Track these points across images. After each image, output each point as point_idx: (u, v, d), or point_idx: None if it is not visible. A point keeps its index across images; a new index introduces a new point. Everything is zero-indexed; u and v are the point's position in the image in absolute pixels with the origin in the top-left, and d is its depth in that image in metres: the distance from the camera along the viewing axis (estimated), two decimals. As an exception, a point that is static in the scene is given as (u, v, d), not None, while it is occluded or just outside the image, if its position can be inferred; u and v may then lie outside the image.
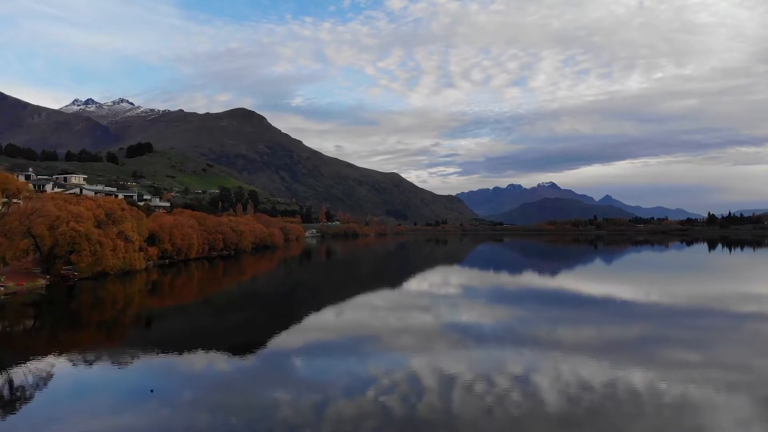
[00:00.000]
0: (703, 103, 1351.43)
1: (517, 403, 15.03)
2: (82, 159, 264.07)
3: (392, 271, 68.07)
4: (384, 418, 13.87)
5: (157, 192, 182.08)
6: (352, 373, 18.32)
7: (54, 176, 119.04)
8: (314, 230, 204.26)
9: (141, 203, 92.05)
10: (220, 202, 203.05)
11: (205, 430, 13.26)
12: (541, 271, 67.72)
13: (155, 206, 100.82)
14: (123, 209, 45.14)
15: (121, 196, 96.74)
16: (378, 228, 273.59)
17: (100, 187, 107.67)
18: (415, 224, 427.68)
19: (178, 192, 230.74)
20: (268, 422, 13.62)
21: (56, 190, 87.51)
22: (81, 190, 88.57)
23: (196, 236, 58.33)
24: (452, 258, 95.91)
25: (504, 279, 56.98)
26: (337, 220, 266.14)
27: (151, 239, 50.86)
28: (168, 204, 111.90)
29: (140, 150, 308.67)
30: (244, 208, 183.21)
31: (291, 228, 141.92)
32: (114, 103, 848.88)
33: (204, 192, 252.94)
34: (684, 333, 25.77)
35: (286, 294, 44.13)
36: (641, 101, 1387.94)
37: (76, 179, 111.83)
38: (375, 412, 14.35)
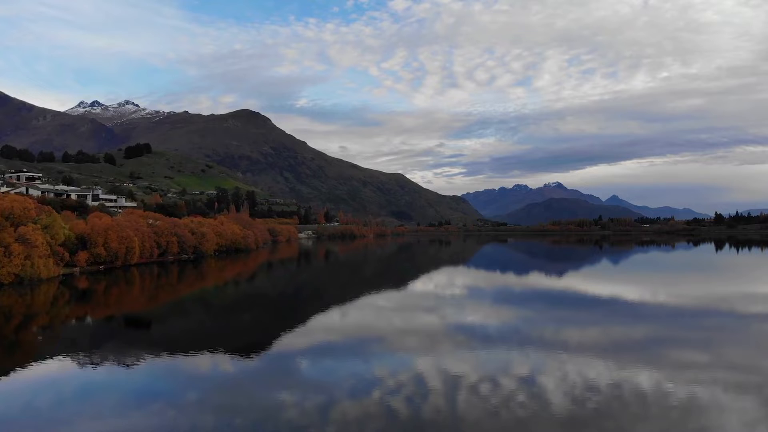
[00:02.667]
0: (710, 102, 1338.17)
1: (522, 404, 14.87)
2: (79, 160, 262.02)
3: (395, 273, 65.69)
4: (389, 419, 13.79)
5: (151, 192, 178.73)
6: (357, 375, 18.00)
7: (6, 174, 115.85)
8: (310, 231, 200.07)
9: (96, 203, 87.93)
10: (216, 203, 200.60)
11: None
12: (545, 271, 65.39)
13: (119, 207, 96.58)
14: (27, 209, 40.34)
15: (74, 195, 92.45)
16: (378, 229, 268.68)
17: (50, 186, 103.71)
18: (418, 225, 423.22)
19: (175, 193, 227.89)
20: (273, 423, 13.51)
21: (4, 189, 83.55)
22: (27, 189, 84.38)
23: (138, 239, 53.67)
24: (456, 260, 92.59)
25: (508, 280, 55.10)
26: (337, 221, 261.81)
27: (83, 243, 46.49)
28: (134, 204, 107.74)
29: (139, 151, 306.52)
30: (238, 209, 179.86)
31: (280, 229, 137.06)
32: (119, 105, 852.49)
33: (201, 193, 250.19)
34: (691, 333, 25.15)
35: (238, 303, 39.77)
36: (647, 101, 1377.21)
37: (30, 177, 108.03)
38: (380, 413, 14.25)
